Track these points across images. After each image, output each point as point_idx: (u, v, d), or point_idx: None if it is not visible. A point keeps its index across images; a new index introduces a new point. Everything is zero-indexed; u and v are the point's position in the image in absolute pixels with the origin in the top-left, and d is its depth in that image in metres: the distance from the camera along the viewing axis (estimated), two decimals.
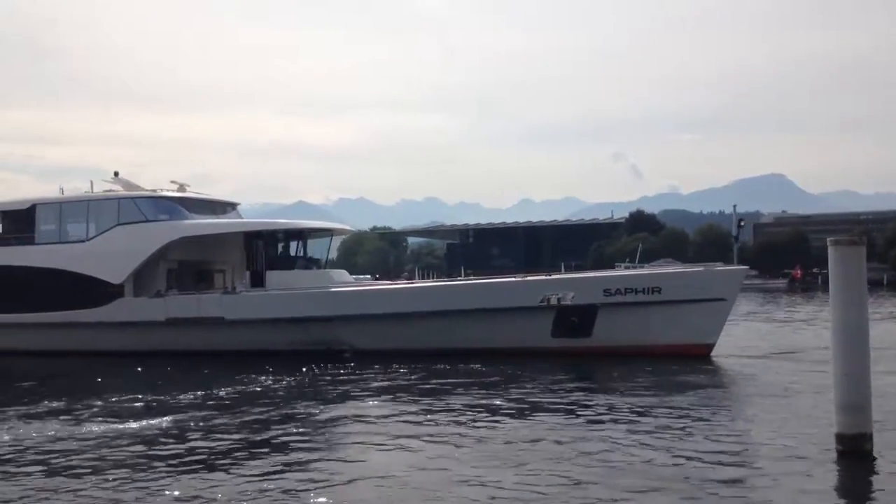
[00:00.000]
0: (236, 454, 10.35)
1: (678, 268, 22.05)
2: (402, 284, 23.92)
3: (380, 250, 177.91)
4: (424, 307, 21.14)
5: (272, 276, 22.79)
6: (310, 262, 24.67)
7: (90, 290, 23.30)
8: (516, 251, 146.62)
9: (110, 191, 25.32)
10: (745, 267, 21.51)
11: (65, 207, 25.00)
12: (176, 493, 8.59)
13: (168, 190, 25.16)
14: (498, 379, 16.75)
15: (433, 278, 24.71)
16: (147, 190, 25.06)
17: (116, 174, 26.10)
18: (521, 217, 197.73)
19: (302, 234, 24.94)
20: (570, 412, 12.78)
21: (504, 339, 20.26)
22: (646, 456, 9.75)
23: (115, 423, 12.51)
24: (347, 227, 27.70)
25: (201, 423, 12.30)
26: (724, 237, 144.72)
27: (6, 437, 11.52)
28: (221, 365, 19.72)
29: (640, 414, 12.52)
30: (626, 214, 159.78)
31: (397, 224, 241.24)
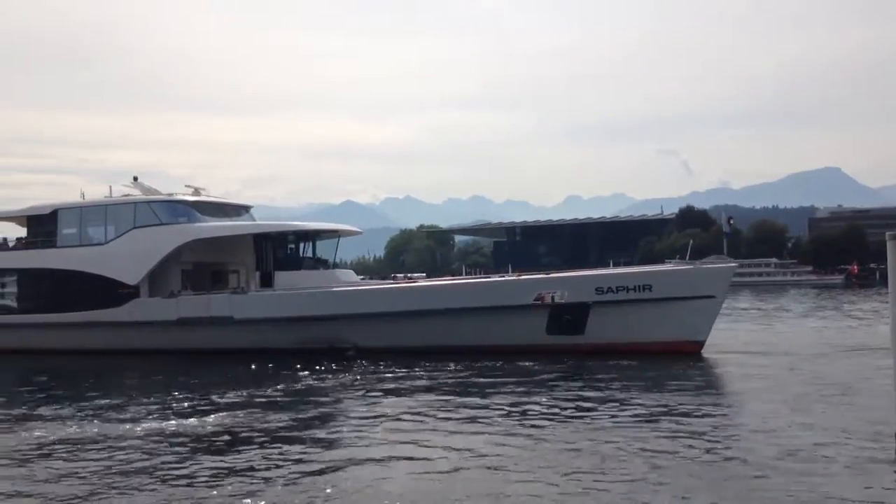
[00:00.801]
0: (290, 451, 10.32)
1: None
2: (402, 284, 23.95)
3: (427, 248, 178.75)
4: (423, 306, 21.36)
5: (280, 277, 23.20)
6: (318, 263, 24.90)
7: (108, 291, 23.92)
8: (563, 249, 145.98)
9: (128, 195, 25.94)
10: (733, 264, 21.46)
11: (85, 212, 25.70)
12: (229, 489, 8.67)
13: (183, 194, 25.70)
14: (532, 378, 16.55)
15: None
16: (163, 194, 25.65)
17: (136, 179, 26.73)
18: (569, 214, 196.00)
19: (311, 236, 25.23)
20: (614, 413, 12.51)
21: (501, 336, 20.44)
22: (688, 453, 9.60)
23: (171, 420, 12.51)
24: (355, 229, 27.78)
25: (253, 422, 12.31)
26: (779, 233, 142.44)
27: (67, 433, 11.71)
28: (264, 364, 19.83)
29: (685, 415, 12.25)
30: (676, 210, 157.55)
31: (444, 222, 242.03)
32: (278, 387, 15.96)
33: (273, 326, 22.22)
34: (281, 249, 24.28)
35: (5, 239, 28.39)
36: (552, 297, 20.30)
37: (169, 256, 23.66)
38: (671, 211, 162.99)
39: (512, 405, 13.24)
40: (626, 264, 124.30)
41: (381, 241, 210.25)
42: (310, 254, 25.10)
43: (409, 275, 28.20)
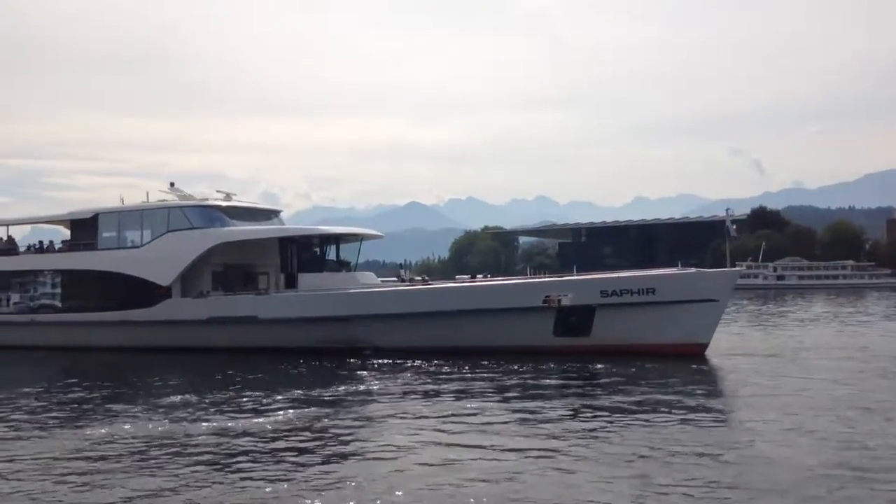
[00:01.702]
0: (349, 452, 10.40)
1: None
2: (417, 286, 24.33)
3: (491, 250, 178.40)
4: (436, 307, 21.95)
5: (304, 278, 23.95)
6: (340, 265, 25.74)
7: (143, 292, 24.94)
8: (629, 250, 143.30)
9: (164, 200, 26.86)
10: (738, 269, 21.84)
11: (123, 216, 26.80)
12: (285, 485, 8.70)
13: (215, 199, 26.55)
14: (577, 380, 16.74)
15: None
16: (197, 199, 26.47)
17: (172, 185, 27.61)
18: (636, 215, 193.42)
19: (334, 239, 26.15)
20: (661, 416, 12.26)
21: (510, 337, 20.97)
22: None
23: (230, 418, 12.61)
24: (377, 233, 28.68)
25: (311, 421, 12.23)
26: (856, 234, 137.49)
27: (131, 429, 11.86)
28: (292, 362, 20.19)
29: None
30: (748, 211, 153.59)
31: (508, 224, 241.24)
32: (322, 386, 16.01)
33: (294, 326, 22.98)
34: (306, 252, 25.13)
35: (51, 242, 29.39)
36: (559, 300, 20.72)
37: (199, 259, 24.54)
38: (742, 212, 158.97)
39: (566, 407, 13.24)
40: (696, 266, 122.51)
41: (446, 242, 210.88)
42: (333, 256, 25.96)
43: (424, 276, 28.70)
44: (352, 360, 20.44)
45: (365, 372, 18.53)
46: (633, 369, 17.48)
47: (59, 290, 27.35)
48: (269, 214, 27.82)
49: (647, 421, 11.77)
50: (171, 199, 26.82)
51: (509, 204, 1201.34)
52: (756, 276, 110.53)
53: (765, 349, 21.66)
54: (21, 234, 32.34)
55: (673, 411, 12.46)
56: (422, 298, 22.55)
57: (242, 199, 28.10)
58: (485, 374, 17.37)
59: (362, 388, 16.02)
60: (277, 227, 26.51)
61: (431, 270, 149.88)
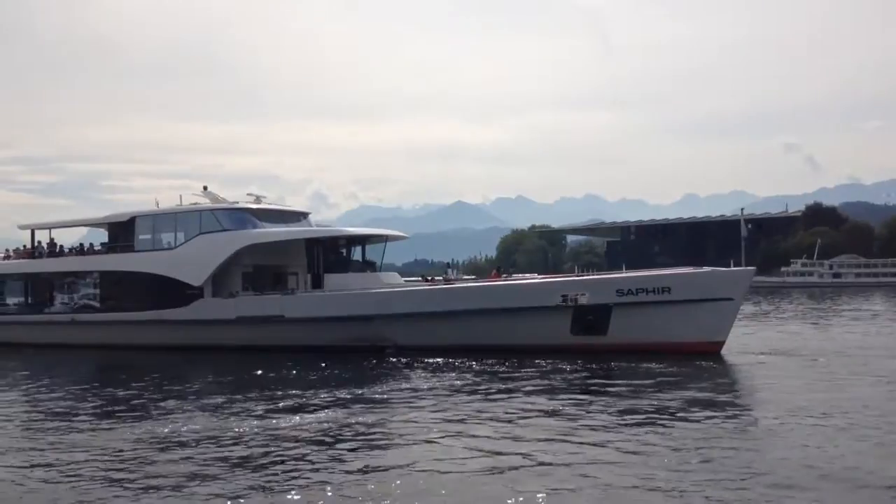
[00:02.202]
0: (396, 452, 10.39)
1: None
2: (438, 286, 24.61)
3: (538, 249, 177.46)
4: (457, 306, 22.28)
5: (329, 279, 24.53)
6: (365, 265, 26.26)
7: (176, 292, 25.68)
8: (679, 248, 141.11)
9: (196, 203, 27.63)
10: (752, 268, 22.25)
11: (158, 219, 27.69)
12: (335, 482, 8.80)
13: (245, 202, 27.20)
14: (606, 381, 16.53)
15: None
16: (228, 202, 27.19)
17: (205, 188, 28.36)
18: (686, 213, 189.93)
19: (360, 240, 26.81)
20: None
21: (529, 336, 21.21)
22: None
23: (278, 416, 12.78)
24: (402, 234, 29.42)
25: (350, 420, 12.34)
26: None
27: (185, 427, 12.03)
28: (350, 363, 20.65)
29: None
30: (802, 208, 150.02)
31: (556, 222, 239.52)
32: (362, 385, 16.19)
33: (319, 325, 23.47)
34: (331, 253, 25.79)
35: (91, 244, 30.51)
36: (575, 299, 20.92)
37: (229, 260, 25.18)
38: (797, 209, 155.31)
39: (611, 407, 13.10)
40: (748, 265, 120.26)
41: (493, 241, 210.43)
42: (359, 257, 26.60)
43: (446, 276, 29.08)
44: (387, 360, 20.71)
45: (403, 371, 18.70)
46: (649, 368, 17.52)
47: (97, 291, 28.40)
48: (298, 216, 28.46)
49: (674, 421, 11.73)
50: (204, 202, 27.57)
51: (557, 202, 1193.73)
52: (811, 275, 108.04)
53: (801, 348, 21.45)
54: (79, 236, 33.37)
55: (699, 412, 12.34)
56: (443, 298, 22.88)
57: (275, 202, 28.89)
58: (510, 373, 17.66)
59: (405, 386, 16.06)
60: (304, 228, 27.07)
61: (479, 270, 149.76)
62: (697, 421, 11.65)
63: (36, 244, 31.86)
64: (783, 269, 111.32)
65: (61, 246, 31.03)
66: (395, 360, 20.66)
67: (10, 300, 31.08)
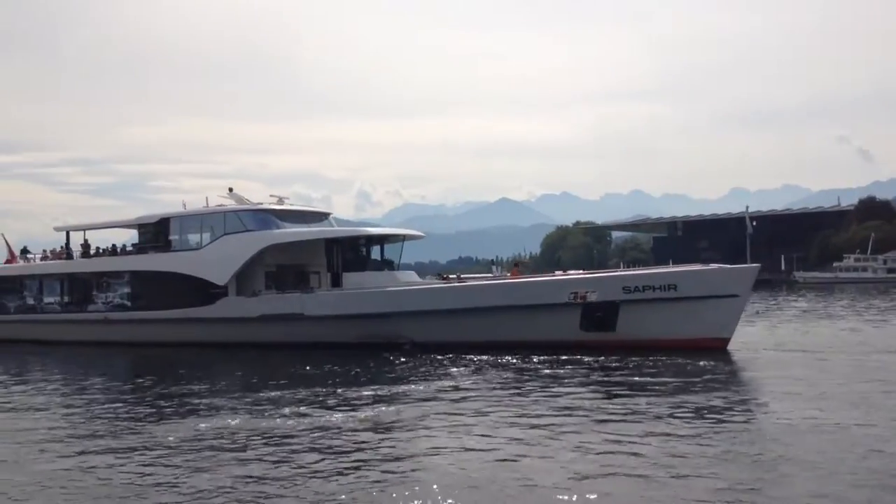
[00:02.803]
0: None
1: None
2: (452, 284, 25.43)
3: (583, 245, 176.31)
4: (470, 304, 22.84)
5: (348, 277, 25.31)
6: (383, 264, 26.93)
7: (202, 291, 26.66)
8: (727, 243, 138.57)
9: (221, 205, 28.57)
10: (757, 265, 22.26)
11: (185, 220, 28.81)
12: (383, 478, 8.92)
13: (268, 203, 28.09)
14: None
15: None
16: (253, 203, 28.06)
17: (231, 190, 29.23)
18: (734, 208, 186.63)
19: (379, 240, 27.63)
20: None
21: (539, 332, 21.60)
22: None
23: (324, 413, 12.85)
24: (419, 233, 30.23)
25: (396, 417, 12.51)
26: None
27: (232, 424, 12.17)
28: (374, 360, 20.95)
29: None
30: (856, 201, 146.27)
31: (601, 218, 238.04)
32: (395, 383, 16.40)
33: (338, 322, 24.17)
34: (350, 252, 26.43)
35: (123, 245, 31.60)
36: (584, 296, 21.34)
37: (252, 259, 25.96)
38: (849, 202, 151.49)
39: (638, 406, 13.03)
40: (800, 260, 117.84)
41: (537, 238, 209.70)
42: (378, 256, 27.30)
43: (460, 275, 29.49)
44: (417, 357, 20.94)
45: (436, 368, 18.84)
46: (659, 365, 17.70)
47: (128, 290, 29.47)
48: (320, 217, 29.30)
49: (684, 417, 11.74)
50: (230, 203, 28.45)
51: (603, 198, 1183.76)
52: (865, 270, 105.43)
53: (819, 344, 21.34)
54: (128, 237, 34.38)
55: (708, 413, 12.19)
56: (456, 295, 23.51)
57: (293, 202, 29.81)
58: (525, 369, 17.93)
59: (444, 384, 16.08)
60: (324, 228, 27.80)
61: (524, 267, 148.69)
62: (702, 418, 11.71)
63: (64, 246, 33.37)
64: (835, 264, 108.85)
65: (97, 247, 32.44)
66: (422, 356, 20.90)
67: (48, 299, 32.48)
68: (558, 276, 23.88)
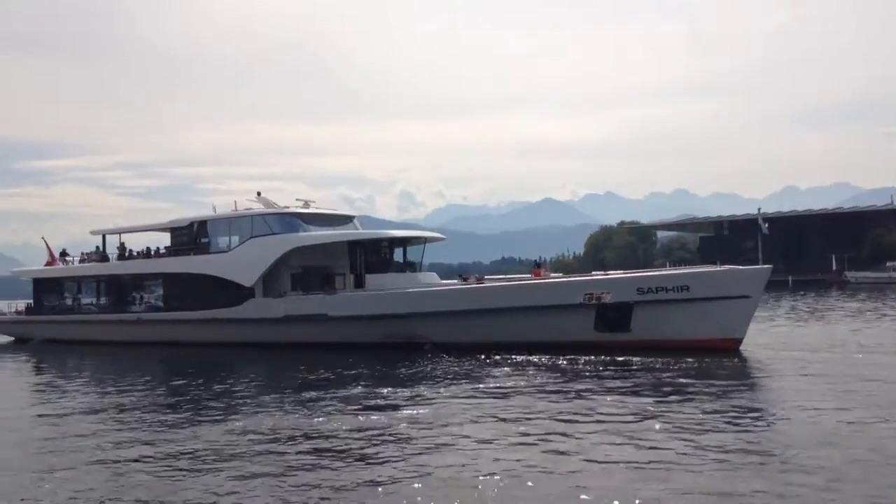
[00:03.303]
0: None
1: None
2: (470, 285, 25.37)
3: (628, 245, 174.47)
4: (487, 305, 23.19)
5: (370, 279, 25.85)
6: (405, 266, 27.57)
7: (230, 292, 27.53)
8: (777, 243, 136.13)
9: (249, 209, 29.37)
10: (769, 266, 22.42)
11: (214, 224, 29.73)
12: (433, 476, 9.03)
13: (295, 207, 29.00)
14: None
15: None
16: (280, 207, 28.84)
17: (259, 194, 30.24)
18: (784, 206, 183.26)
19: (401, 242, 28.17)
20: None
21: (555, 332, 21.95)
22: None
23: (374, 412, 12.98)
24: (440, 236, 30.83)
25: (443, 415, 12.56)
26: None
27: (283, 422, 12.32)
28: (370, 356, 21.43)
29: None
30: None
31: (645, 218, 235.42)
32: (432, 383, 16.53)
33: (360, 323, 24.81)
34: (373, 254, 26.99)
35: (157, 248, 32.52)
36: (599, 297, 21.67)
37: (278, 261, 26.76)
38: None
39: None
40: (851, 260, 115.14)
41: (581, 238, 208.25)
42: (400, 258, 27.97)
43: (478, 276, 29.66)
44: (423, 358, 21.26)
45: (466, 368, 18.99)
46: (677, 365, 17.77)
47: (161, 292, 30.52)
48: (345, 220, 30.00)
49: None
50: (258, 207, 29.22)
51: (647, 198, 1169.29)
52: None
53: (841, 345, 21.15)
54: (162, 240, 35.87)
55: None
56: (475, 297, 23.80)
57: (319, 203, 30.81)
58: (555, 369, 17.99)
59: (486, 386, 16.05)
60: (347, 231, 28.36)
61: (567, 267, 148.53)
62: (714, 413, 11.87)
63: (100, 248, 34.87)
64: (888, 263, 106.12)
65: (130, 250, 33.67)
66: (440, 356, 21.30)
67: (85, 300, 33.90)
68: (573, 277, 24.54)
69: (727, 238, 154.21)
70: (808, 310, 39.26)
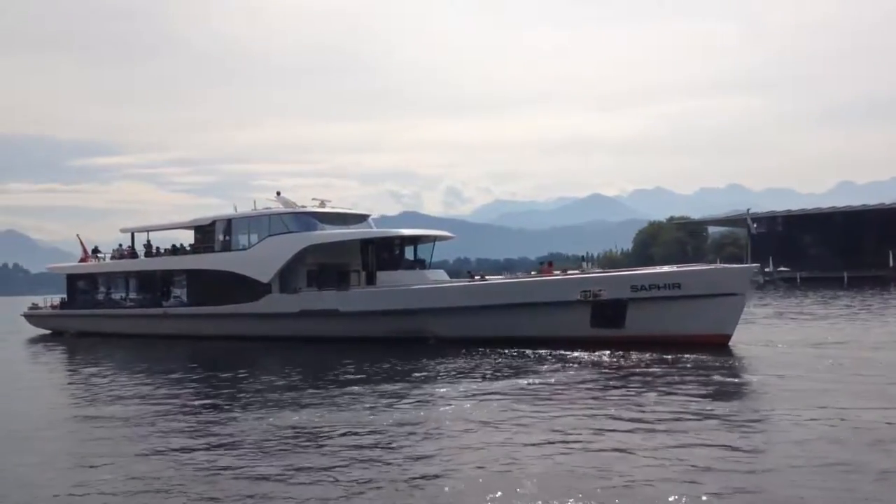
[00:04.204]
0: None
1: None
2: (474, 282, 26.73)
3: (677, 241, 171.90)
4: (489, 301, 24.22)
5: (381, 276, 26.98)
6: (415, 263, 28.67)
7: (249, 288, 28.92)
8: (833, 239, 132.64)
9: (268, 208, 30.83)
10: (755, 265, 23.03)
11: (234, 222, 31.20)
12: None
13: (311, 206, 30.39)
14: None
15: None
16: (298, 206, 30.25)
17: (278, 194, 31.44)
18: (841, 202, 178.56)
19: (411, 240, 29.47)
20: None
21: (553, 328, 22.83)
22: None
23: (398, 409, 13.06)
24: (450, 234, 32.28)
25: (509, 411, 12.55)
26: None
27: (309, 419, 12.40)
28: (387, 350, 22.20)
29: None
30: None
31: (696, 213, 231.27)
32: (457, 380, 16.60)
33: (370, 318, 26.09)
34: (384, 252, 28.14)
35: (181, 245, 34.14)
36: (595, 294, 22.51)
37: (294, 259, 28.05)
38: None
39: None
40: None
41: (629, 234, 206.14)
42: (411, 256, 29.16)
43: (482, 273, 31.23)
44: (430, 353, 21.78)
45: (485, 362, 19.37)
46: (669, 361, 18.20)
47: (184, 287, 32.15)
48: (359, 218, 31.18)
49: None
50: (276, 206, 30.49)
51: (698, 193, 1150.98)
52: None
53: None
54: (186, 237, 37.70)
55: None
56: (477, 293, 24.98)
57: (337, 206, 31.86)
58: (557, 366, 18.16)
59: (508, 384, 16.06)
60: (359, 230, 29.51)
61: (614, 263, 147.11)
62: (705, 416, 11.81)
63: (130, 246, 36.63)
64: None
65: (157, 247, 35.32)
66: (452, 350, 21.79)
67: (115, 295, 35.89)
68: (571, 275, 25.23)
69: (781, 233, 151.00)
70: (859, 308, 38.18)
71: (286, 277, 28.39)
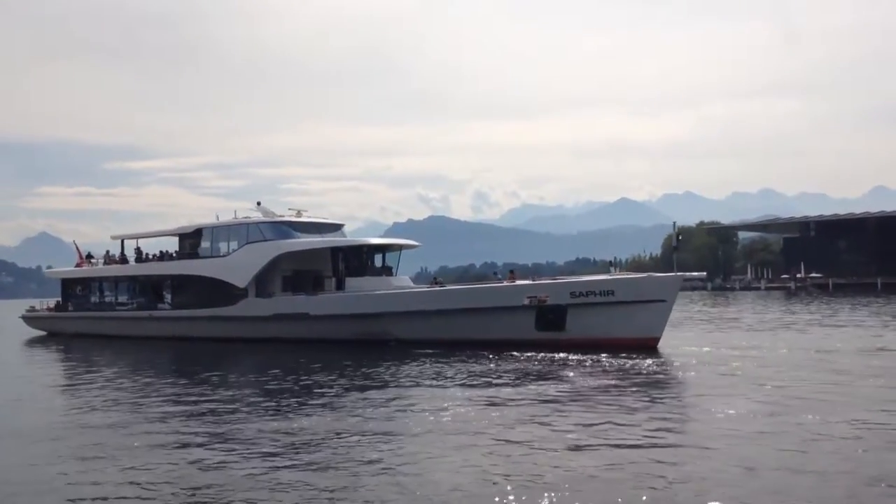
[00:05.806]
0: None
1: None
2: (431, 288, 28.53)
3: (707, 246, 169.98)
4: (443, 306, 26.21)
5: (350, 282, 29.18)
6: (382, 270, 31.00)
7: (227, 293, 31.15)
8: (867, 245, 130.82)
9: (248, 217, 33.10)
10: (681, 274, 25.35)
11: (215, 230, 33.54)
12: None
13: (287, 216, 32.62)
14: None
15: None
16: (276, 216, 32.52)
17: (259, 203, 33.68)
18: (875, 207, 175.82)
19: (379, 249, 31.74)
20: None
21: (502, 331, 24.81)
22: None
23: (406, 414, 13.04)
24: (415, 243, 33.98)
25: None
26: None
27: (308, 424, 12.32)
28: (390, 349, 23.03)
29: None
30: None
31: (727, 218, 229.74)
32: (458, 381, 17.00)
33: (337, 321, 28.07)
34: (353, 260, 30.25)
35: (167, 251, 36.15)
36: (539, 300, 24.53)
37: (269, 265, 30.16)
38: None
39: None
40: None
41: (658, 238, 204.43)
42: (379, 263, 31.46)
43: (439, 280, 34.41)
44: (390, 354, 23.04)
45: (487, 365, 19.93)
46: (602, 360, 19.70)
47: (170, 292, 34.45)
48: (333, 228, 33.42)
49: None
50: (256, 215, 32.70)
51: (729, 198, 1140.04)
52: None
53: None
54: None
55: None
56: (432, 299, 27.05)
57: (311, 214, 33.89)
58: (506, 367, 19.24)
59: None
60: (329, 238, 31.60)
61: (643, 267, 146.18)
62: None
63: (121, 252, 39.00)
64: None
65: (146, 253, 37.35)
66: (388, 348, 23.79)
67: (106, 298, 38.03)
68: (518, 283, 26.94)
69: (814, 239, 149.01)
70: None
71: (262, 283, 30.52)
